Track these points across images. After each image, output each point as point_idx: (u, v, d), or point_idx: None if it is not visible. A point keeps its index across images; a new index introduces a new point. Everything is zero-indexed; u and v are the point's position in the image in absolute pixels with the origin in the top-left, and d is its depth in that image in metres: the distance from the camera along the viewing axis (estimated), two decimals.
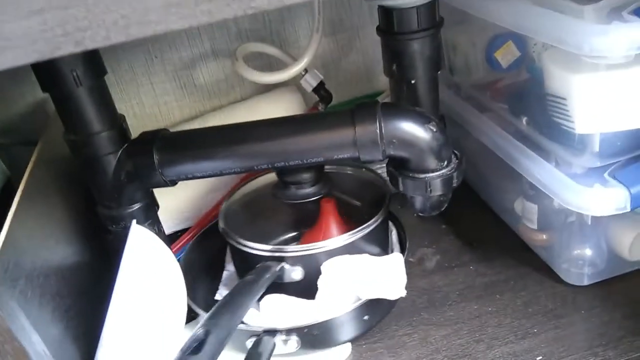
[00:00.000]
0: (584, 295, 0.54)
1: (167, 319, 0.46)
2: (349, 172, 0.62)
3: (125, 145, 0.50)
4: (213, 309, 0.44)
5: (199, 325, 0.42)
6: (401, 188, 0.50)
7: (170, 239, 0.67)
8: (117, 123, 0.50)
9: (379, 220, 0.53)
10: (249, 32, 0.77)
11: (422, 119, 0.47)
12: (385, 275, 0.50)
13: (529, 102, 0.55)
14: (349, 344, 0.53)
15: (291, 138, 0.48)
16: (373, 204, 0.55)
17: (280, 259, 0.50)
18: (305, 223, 0.59)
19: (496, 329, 0.52)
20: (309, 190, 0.52)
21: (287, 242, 0.62)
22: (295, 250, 0.50)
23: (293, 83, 0.78)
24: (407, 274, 0.60)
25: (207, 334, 0.40)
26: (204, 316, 0.43)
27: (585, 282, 0.55)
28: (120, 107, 0.78)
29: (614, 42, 0.39)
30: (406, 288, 0.57)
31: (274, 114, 0.51)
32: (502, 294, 0.56)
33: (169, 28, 0.24)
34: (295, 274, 0.50)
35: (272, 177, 0.60)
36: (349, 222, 0.56)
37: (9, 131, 0.73)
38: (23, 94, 0.73)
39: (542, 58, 0.50)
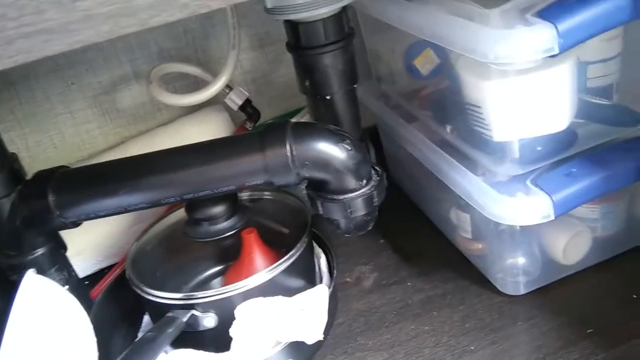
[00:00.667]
0: (521, 305, 0.52)
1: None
2: (268, 197, 0.58)
3: (18, 187, 0.46)
4: None
5: None
6: (321, 211, 0.48)
7: (96, 278, 0.64)
8: (7, 165, 0.46)
9: (300, 251, 0.50)
10: (171, 50, 0.74)
11: (336, 137, 0.45)
12: (304, 316, 0.47)
13: (451, 110, 0.53)
14: None
15: (198, 167, 0.45)
16: (299, 229, 0.52)
17: (190, 307, 0.46)
18: (229, 256, 0.55)
19: (433, 350, 0.50)
20: (223, 225, 0.49)
21: (209, 279, 0.58)
22: (205, 295, 0.46)
23: (218, 102, 0.75)
24: (344, 295, 0.58)
25: None
26: None
27: (522, 291, 0.53)
28: (39, 140, 0.74)
29: (518, 48, 0.37)
30: (342, 312, 0.55)
31: (200, 135, 0.49)
32: (440, 310, 0.54)
33: None
34: (208, 321, 0.46)
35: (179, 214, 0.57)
36: (277, 250, 0.52)
37: None
38: None
39: (457, 66, 0.48)
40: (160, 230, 0.57)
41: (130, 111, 0.75)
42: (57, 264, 0.49)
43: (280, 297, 0.47)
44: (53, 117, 0.73)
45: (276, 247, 0.53)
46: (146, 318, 0.55)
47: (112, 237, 0.64)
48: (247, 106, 0.69)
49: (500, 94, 0.43)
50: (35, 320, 0.41)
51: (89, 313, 0.46)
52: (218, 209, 0.49)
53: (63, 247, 0.51)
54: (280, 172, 0.44)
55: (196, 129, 0.70)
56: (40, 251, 0.48)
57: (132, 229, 0.64)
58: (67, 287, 0.50)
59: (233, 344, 0.45)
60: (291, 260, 0.48)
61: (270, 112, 0.78)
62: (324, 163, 0.44)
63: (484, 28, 0.39)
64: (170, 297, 0.47)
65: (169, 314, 0.45)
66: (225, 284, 0.52)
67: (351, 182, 0.46)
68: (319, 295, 0.48)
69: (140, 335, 0.54)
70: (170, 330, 0.44)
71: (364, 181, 0.46)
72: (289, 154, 0.44)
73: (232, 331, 0.45)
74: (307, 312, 0.46)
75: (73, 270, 0.52)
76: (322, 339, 0.46)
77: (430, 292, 0.56)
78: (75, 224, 0.47)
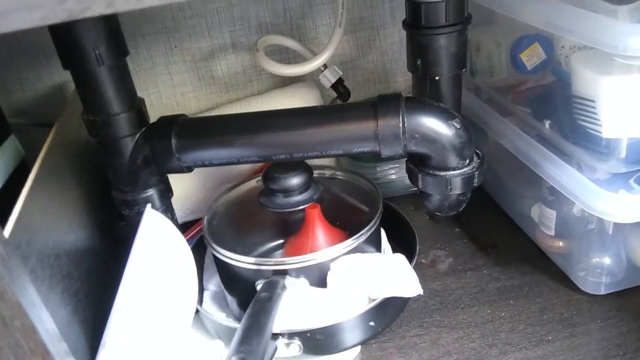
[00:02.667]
0: (601, 304, 0.53)
1: (177, 305, 0.46)
2: (340, 177, 0.60)
3: (143, 129, 0.49)
4: (240, 333, 0.43)
5: (231, 353, 0.40)
6: (420, 185, 0.49)
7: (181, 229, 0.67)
8: (136, 105, 0.49)
9: (377, 223, 0.52)
10: (269, 26, 0.77)
11: (446, 115, 0.46)
12: (397, 273, 0.49)
13: (552, 106, 0.54)
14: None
15: (311, 129, 0.47)
16: (369, 210, 0.54)
17: (284, 272, 0.49)
18: (288, 230, 0.56)
19: (510, 335, 0.51)
20: (296, 198, 0.51)
21: (270, 251, 0.59)
22: (297, 261, 0.48)
23: (311, 79, 0.77)
24: (420, 275, 0.59)
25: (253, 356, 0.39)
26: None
27: (603, 292, 0.53)
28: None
29: None
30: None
31: None
32: (516, 299, 0.55)
33: None
34: (301, 284, 0.49)
35: (251, 184, 0.60)
36: (336, 228, 0.54)
37: (25, 113, 0.73)
38: (40, 77, 0.73)
39: (571, 60, 0.49)
40: (236, 196, 0.60)
41: (225, 79, 0.79)
42: (164, 205, 0.53)
43: (372, 253, 0.49)
44: (153, 76, 0.77)
45: (344, 227, 0.55)
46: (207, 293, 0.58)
47: (202, 192, 0.67)
48: (338, 85, 0.71)
49: (619, 90, 0.43)
50: (154, 250, 0.45)
51: None
52: (294, 182, 0.51)
53: (170, 191, 0.54)
54: (389, 142, 0.46)
55: (288, 101, 0.72)
56: (151, 191, 0.51)
57: (220, 187, 0.67)
58: None
59: (328, 289, 0.48)
60: (371, 231, 0.51)
61: (353, 96, 0.80)
62: (432, 138, 0.46)
63: (615, 20, 0.40)
64: (268, 262, 0.49)
65: (272, 278, 0.48)
66: (283, 255, 0.55)
67: (454, 160, 0.47)
68: (402, 260, 0.50)
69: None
70: (279, 291, 0.46)
71: (467, 161, 0.48)
72: (400, 125, 0.45)
73: (329, 278, 0.47)
74: (399, 270, 0.49)
75: (175, 215, 0.55)
76: (421, 292, 0.48)
77: (506, 282, 0.57)
78: (190, 169, 0.50)
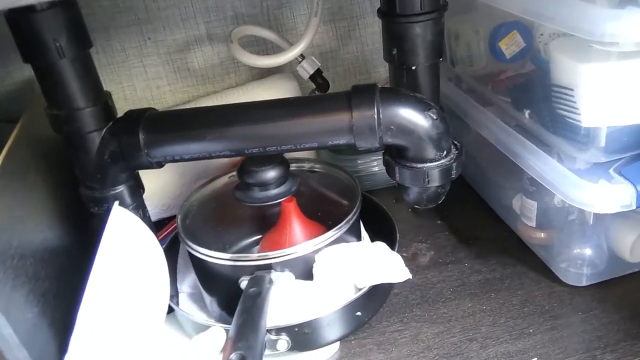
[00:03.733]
0: (582, 296, 0.52)
1: (147, 305, 0.44)
2: (319, 169, 0.59)
3: (110, 123, 0.48)
4: (235, 329, 0.42)
5: (229, 351, 0.39)
6: (397, 178, 0.48)
7: (155, 227, 0.65)
8: (102, 99, 0.47)
9: (356, 214, 0.51)
10: (245, 16, 0.75)
11: (423, 105, 0.45)
12: (382, 260, 0.48)
13: (532, 95, 0.53)
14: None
15: (284, 121, 0.46)
16: (342, 201, 0.53)
17: (268, 267, 0.47)
18: (265, 225, 0.55)
19: (490, 328, 0.50)
20: (273, 191, 0.50)
21: (248, 247, 0.58)
22: (282, 255, 0.47)
23: (290, 70, 0.76)
24: None
25: (243, 358, 0.39)
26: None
27: (584, 283, 0.53)
28: (111, 90, 0.75)
29: (629, 27, 0.37)
30: (399, 284, 0.55)
31: None
32: (498, 292, 0.54)
33: None
34: (286, 277, 0.48)
35: (226, 179, 0.58)
36: (313, 221, 0.54)
37: None
38: (9, 72, 0.71)
39: (549, 48, 0.48)
40: (211, 191, 0.58)
41: (201, 71, 0.77)
42: (135, 202, 0.51)
43: (358, 243, 0.48)
44: (127, 69, 0.75)
45: (322, 219, 0.54)
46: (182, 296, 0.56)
47: (177, 188, 0.66)
48: (317, 76, 0.70)
49: (598, 78, 0.42)
50: (122, 249, 0.43)
51: None
52: (269, 175, 0.50)
53: (141, 187, 0.53)
54: (364, 134, 0.45)
55: (266, 93, 0.71)
56: (121, 188, 0.49)
57: (197, 182, 0.66)
58: None
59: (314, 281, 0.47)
60: (352, 221, 0.50)
61: (333, 87, 0.79)
62: (409, 129, 0.45)
63: (592, 6, 0.39)
64: (251, 258, 0.48)
65: (257, 274, 0.46)
66: (260, 250, 0.54)
67: (432, 151, 0.46)
68: (385, 247, 0.49)
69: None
70: (267, 285, 0.45)
71: (444, 152, 0.47)
72: (375, 116, 0.44)
73: (315, 270, 0.46)
74: (384, 257, 0.48)
75: (147, 211, 0.54)
76: (410, 276, 0.48)
77: (488, 275, 0.56)
78: (160, 164, 0.48)
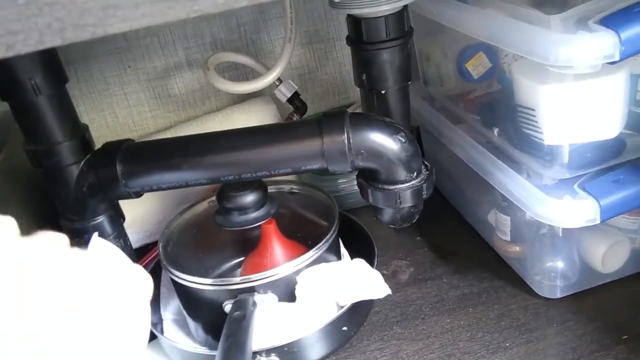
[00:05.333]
0: (557, 308, 0.53)
1: (126, 335, 0.45)
2: (297, 190, 0.60)
3: (87, 156, 0.49)
4: (221, 354, 0.43)
5: None
6: (371, 200, 0.50)
7: (138, 253, 0.66)
8: (79, 132, 0.48)
9: (334, 232, 0.52)
10: (224, 42, 0.77)
11: (391, 129, 0.47)
12: (362, 277, 0.49)
13: (500, 113, 0.55)
14: None
15: (257, 149, 0.47)
16: (326, 223, 0.54)
17: (251, 289, 0.48)
18: (246, 248, 0.56)
19: (468, 344, 0.51)
20: (252, 215, 0.51)
21: (229, 270, 0.59)
22: (264, 277, 0.48)
23: (269, 93, 0.77)
24: None
25: None
26: None
27: (558, 295, 0.54)
28: (93, 118, 0.77)
29: (580, 52, 0.39)
30: (379, 302, 0.56)
31: (248, 124, 0.50)
32: (475, 307, 0.55)
33: (107, 32, 0.23)
34: (269, 299, 0.49)
35: (205, 204, 0.59)
36: (294, 241, 0.55)
37: None
38: None
39: (512, 69, 0.49)
40: (192, 217, 0.59)
41: (181, 97, 0.78)
42: (115, 231, 0.52)
43: (338, 262, 0.49)
44: (108, 97, 0.76)
45: (302, 239, 0.55)
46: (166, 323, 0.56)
47: (159, 214, 0.67)
48: (295, 99, 0.71)
49: (556, 98, 0.44)
50: (101, 281, 0.44)
51: None
52: (248, 199, 0.51)
53: (122, 216, 0.53)
54: (336, 159, 0.46)
55: (245, 117, 0.72)
56: (101, 218, 0.50)
57: (178, 208, 0.66)
58: None
59: (297, 302, 0.48)
60: (330, 241, 0.51)
61: (313, 108, 0.80)
62: (379, 153, 0.46)
63: (547, 31, 0.41)
64: (234, 282, 0.48)
65: (240, 297, 0.47)
66: (242, 273, 0.54)
67: (402, 173, 0.47)
68: (364, 264, 0.51)
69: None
70: (251, 308, 0.46)
71: (415, 174, 0.48)
72: (346, 141, 0.45)
73: (297, 292, 0.47)
74: (363, 274, 0.49)
75: (128, 240, 0.54)
76: (390, 292, 0.49)
77: (465, 290, 0.58)
78: (138, 194, 0.49)
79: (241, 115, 0.73)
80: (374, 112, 0.53)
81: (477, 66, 0.56)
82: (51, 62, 0.45)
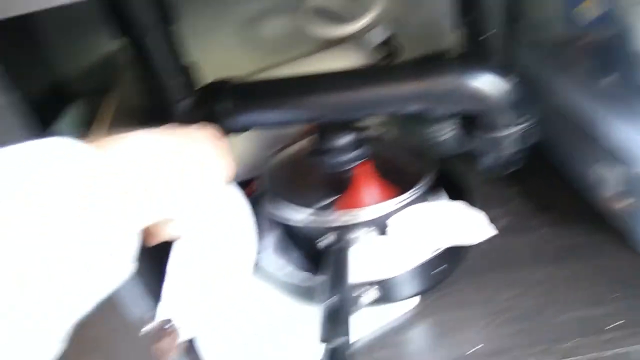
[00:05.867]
0: None
1: (235, 256, 0.47)
2: (392, 135, 0.60)
3: (194, 93, 0.50)
4: (328, 279, 0.44)
5: (325, 298, 0.42)
6: (472, 145, 0.48)
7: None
8: (187, 70, 0.50)
9: (431, 178, 0.52)
10: None
11: (497, 72, 0.45)
12: (464, 218, 0.49)
13: (613, 61, 0.51)
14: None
15: (361, 89, 0.47)
16: (415, 166, 0.54)
17: (347, 227, 0.49)
18: (340, 189, 0.56)
19: (566, 295, 0.50)
20: (348, 156, 0.51)
21: (323, 209, 0.58)
22: (360, 215, 0.49)
23: (359, 39, 0.76)
24: None
25: (341, 302, 0.40)
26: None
27: None
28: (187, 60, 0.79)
29: None
30: (471, 249, 0.55)
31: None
32: (574, 260, 0.54)
33: None
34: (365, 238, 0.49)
35: (302, 144, 0.60)
36: (388, 186, 0.54)
37: (81, 81, 0.75)
38: (97, 44, 0.75)
39: (630, 13, 0.45)
40: (288, 156, 0.61)
41: (272, 42, 0.79)
42: None
43: (437, 202, 0.49)
44: (201, 40, 0.77)
45: (397, 184, 0.54)
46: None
47: (257, 152, 0.68)
48: (387, 44, 0.70)
49: None
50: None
51: None
52: (345, 141, 0.51)
53: None
54: (442, 101, 0.45)
55: (336, 63, 0.71)
56: None
57: (272, 148, 0.68)
58: None
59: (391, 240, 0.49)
60: (427, 186, 0.51)
61: (403, 55, 0.78)
62: (484, 96, 0.45)
63: None
64: (331, 218, 0.49)
65: (338, 232, 0.48)
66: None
67: (507, 118, 0.46)
68: (464, 206, 0.51)
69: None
70: (348, 243, 0.47)
71: (520, 119, 0.46)
72: (450, 83, 0.44)
73: (394, 231, 0.48)
74: (467, 214, 0.49)
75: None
76: (496, 232, 0.49)
77: (564, 242, 0.56)
78: (242, 130, 0.51)
79: (331, 60, 0.73)
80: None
81: (590, 8, 0.52)
82: (162, 1, 0.47)
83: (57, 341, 0.24)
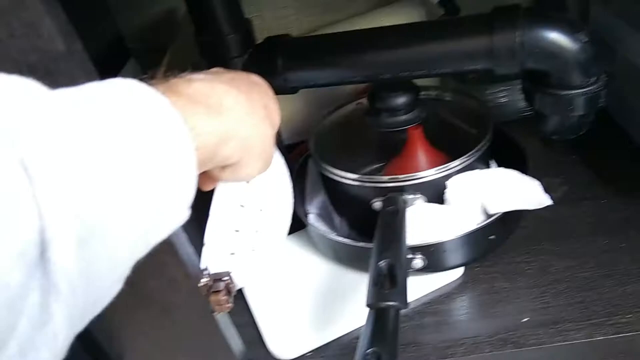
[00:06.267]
0: None
1: (273, 210, 0.47)
2: (448, 98, 0.58)
3: (250, 50, 0.50)
4: (378, 242, 0.43)
5: (375, 260, 0.41)
6: (537, 106, 0.46)
7: (289, 149, 0.68)
8: (244, 27, 0.50)
9: (488, 142, 0.49)
10: None
11: (571, 27, 0.42)
12: (518, 186, 0.47)
13: None
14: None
15: (419, 45, 0.46)
16: (471, 129, 0.52)
17: (400, 189, 0.48)
18: (391, 151, 0.55)
19: (629, 266, 0.48)
20: (402, 117, 0.50)
21: (373, 172, 0.59)
22: (414, 178, 0.48)
23: None
24: None
25: (391, 266, 0.40)
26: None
27: None
28: None
29: None
30: (526, 217, 0.54)
31: None
32: (635, 232, 0.51)
33: None
34: (419, 202, 0.48)
35: (352, 106, 0.59)
36: (439, 150, 0.53)
37: (140, 38, 0.76)
38: (154, 1, 0.76)
39: None
40: (338, 118, 0.60)
41: (325, 0, 0.77)
42: None
43: (494, 169, 0.48)
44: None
45: (450, 147, 0.53)
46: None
47: (309, 113, 0.68)
48: (447, 1, 0.67)
49: None
50: None
51: None
52: (400, 101, 0.50)
53: None
54: (504, 59, 0.43)
55: (392, 20, 0.68)
56: None
57: (323, 109, 0.67)
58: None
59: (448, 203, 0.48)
60: (482, 151, 0.49)
61: (465, 12, 0.75)
62: (554, 53, 0.42)
63: None
64: (382, 180, 0.49)
65: (391, 195, 0.48)
66: (388, 174, 0.54)
67: (578, 77, 0.43)
68: (517, 173, 0.49)
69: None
70: (402, 205, 0.46)
71: (591, 78, 0.44)
72: (518, 39, 0.42)
73: (447, 196, 0.47)
74: (522, 182, 0.47)
75: (281, 136, 0.57)
76: (551, 202, 0.47)
77: (627, 213, 0.53)
78: (295, 90, 0.51)
79: (388, 17, 0.70)
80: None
81: None
82: None
83: (120, 281, 0.25)
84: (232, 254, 0.44)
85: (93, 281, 0.22)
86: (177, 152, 0.26)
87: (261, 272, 0.45)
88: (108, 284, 0.24)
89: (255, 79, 0.38)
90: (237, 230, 0.44)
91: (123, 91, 0.25)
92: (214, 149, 0.30)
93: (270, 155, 0.37)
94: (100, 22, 0.64)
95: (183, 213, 0.28)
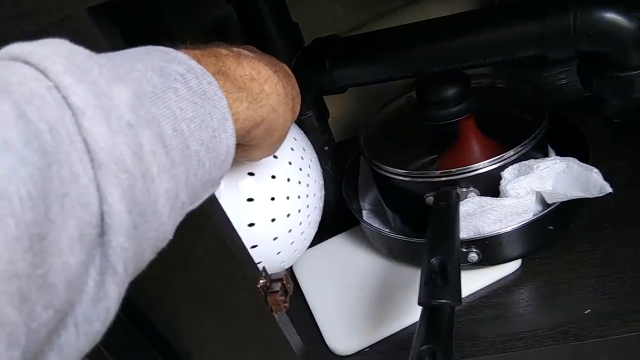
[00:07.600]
0: None
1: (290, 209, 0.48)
2: (500, 85, 0.56)
3: (298, 53, 0.51)
4: (431, 237, 0.43)
5: (428, 256, 0.40)
6: (595, 89, 0.44)
7: (340, 147, 0.69)
8: (292, 31, 0.51)
9: (544, 129, 0.48)
10: None
11: (626, 5, 0.40)
12: (575, 174, 0.46)
13: None
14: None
15: (466, 35, 0.45)
16: (526, 116, 0.50)
17: (453, 183, 0.47)
18: (443, 144, 0.54)
19: None
20: (453, 109, 0.49)
21: (426, 165, 0.58)
22: (467, 171, 0.47)
23: None
24: None
25: (443, 263, 0.39)
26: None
27: None
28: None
29: None
30: (588, 202, 0.52)
31: None
32: None
33: None
34: (471, 195, 0.48)
35: (401, 101, 0.59)
36: (493, 141, 0.52)
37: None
38: (206, 10, 0.78)
39: None
40: (388, 113, 0.60)
41: None
42: (322, 127, 0.55)
43: (549, 158, 0.47)
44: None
45: (505, 136, 0.51)
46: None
47: (358, 111, 0.69)
48: None
49: None
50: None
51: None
52: (449, 93, 0.49)
53: (327, 112, 0.57)
54: (557, 44, 0.42)
55: (442, 9, 0.68)
56: (309, 113, 0.54)
57: (372, 106, 0.68)
58: (326, 148, 0.56)
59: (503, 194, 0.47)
60: (538, 138, 0.47)
61: None
62: (611, 34, 0.40)
63: None
64: (434, 174, 0.49)
65: (443, 189, 0.47)
66: (439, 168, 0.53)
67: (637, 57, 0.41)
68: (576, 161, 0.48)
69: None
70: (455, 199, 0.46)
71: None
72: (571, 21, 0.41)
73: (502, 188, 0.46)
74: (580, 170, 0.46)
75: (332, 135, 0.58)
76: (611, 191, 0.45)
77: None
78: (344, 89, 0.51)
79: (437, 6, 0.69)
80: None
81: None
82: None
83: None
84: (255, 246, 0.46)
85: (140, 258, 0.23)
86: (220, 137, 0.28)
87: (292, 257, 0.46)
88: (149, 258, 0.25)
89: (289, 70, 0.40)
90: (251, 225, 0.46)
91: (181, 70, 0.27)
92: (246, 133, 0.32)
93: (281, 143, 0.38)
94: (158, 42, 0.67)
95: (215, 187, 0.30)
